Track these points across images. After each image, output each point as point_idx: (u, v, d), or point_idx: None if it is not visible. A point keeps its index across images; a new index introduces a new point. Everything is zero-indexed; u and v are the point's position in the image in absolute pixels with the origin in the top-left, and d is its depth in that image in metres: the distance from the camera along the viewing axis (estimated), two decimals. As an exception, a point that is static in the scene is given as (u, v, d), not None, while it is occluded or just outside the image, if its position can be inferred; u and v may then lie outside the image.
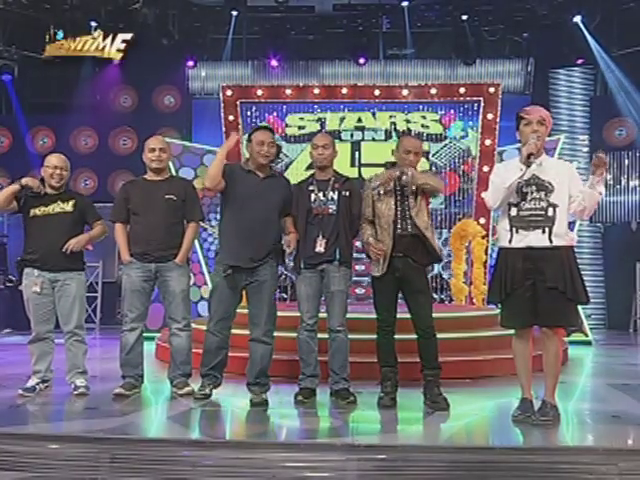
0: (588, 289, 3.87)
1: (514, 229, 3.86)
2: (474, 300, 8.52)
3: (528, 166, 3.79)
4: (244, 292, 4.52)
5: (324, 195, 4.46)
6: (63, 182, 4.83)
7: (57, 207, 4.75)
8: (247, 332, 4.50)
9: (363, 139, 10.82)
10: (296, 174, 9.65)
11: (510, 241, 3.87)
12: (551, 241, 3.77)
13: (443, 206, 10.67)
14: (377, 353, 4.39)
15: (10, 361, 6.70)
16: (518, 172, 3.81)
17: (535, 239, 3.78)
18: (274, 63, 11.39)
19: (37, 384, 4.69)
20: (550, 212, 3.80)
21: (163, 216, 4.66)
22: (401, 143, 4.44)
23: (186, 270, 4.83)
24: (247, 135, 4.60)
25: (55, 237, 4.66)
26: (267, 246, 4.39)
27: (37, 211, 4.73)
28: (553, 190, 3.81)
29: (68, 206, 4.78)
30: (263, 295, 4.39)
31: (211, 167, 4.43)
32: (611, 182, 10.50)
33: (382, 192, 4.33)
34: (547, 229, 3.77)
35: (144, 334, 4.78)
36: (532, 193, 3.84)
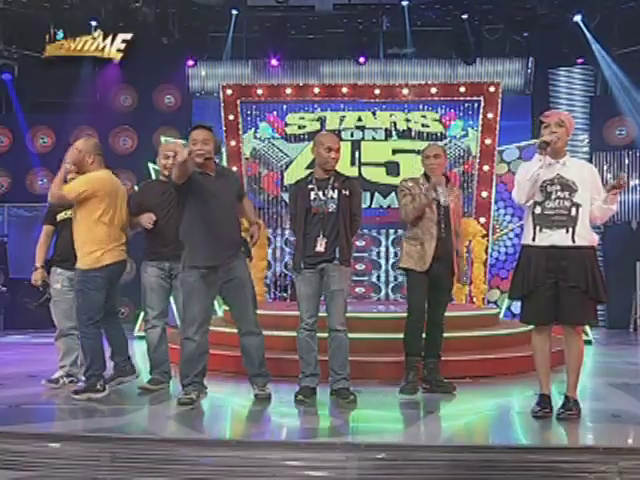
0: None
1: (537, 227, 3.92)
2: (474, 300, 8.52)
3: (540, 152, 3.81)
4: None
5: (324, 194, 4.44)
6: None
7: None
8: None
9: (363, 138, 10.79)
10: (296, 173, 9.64)
11: (534, 239, 3.92)
12: (574, 240, 3.82)
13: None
14: (405, 342, 4.62)
15: (10, 361, 6.70)
16: (538, 163, 3.86)
17: (559, 238, 3.84)
18: (274, 62, 11.37)
19: (61, 377, 4.86)
20: (573, 212, 3.85)
21: (177, 217, 4.66)
22: (425, 152, 4.73)
23: None
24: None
25: (72, 237, 4.68)
26: (236, 241, 4.43)
27: (63, 214, 4.88)
28: (577, 190, 3.87)
29: None
30: (246, 290, 4.43)
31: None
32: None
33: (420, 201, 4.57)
34: (570, 229, 3.83)
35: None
36: (556, 192, 3.89)
